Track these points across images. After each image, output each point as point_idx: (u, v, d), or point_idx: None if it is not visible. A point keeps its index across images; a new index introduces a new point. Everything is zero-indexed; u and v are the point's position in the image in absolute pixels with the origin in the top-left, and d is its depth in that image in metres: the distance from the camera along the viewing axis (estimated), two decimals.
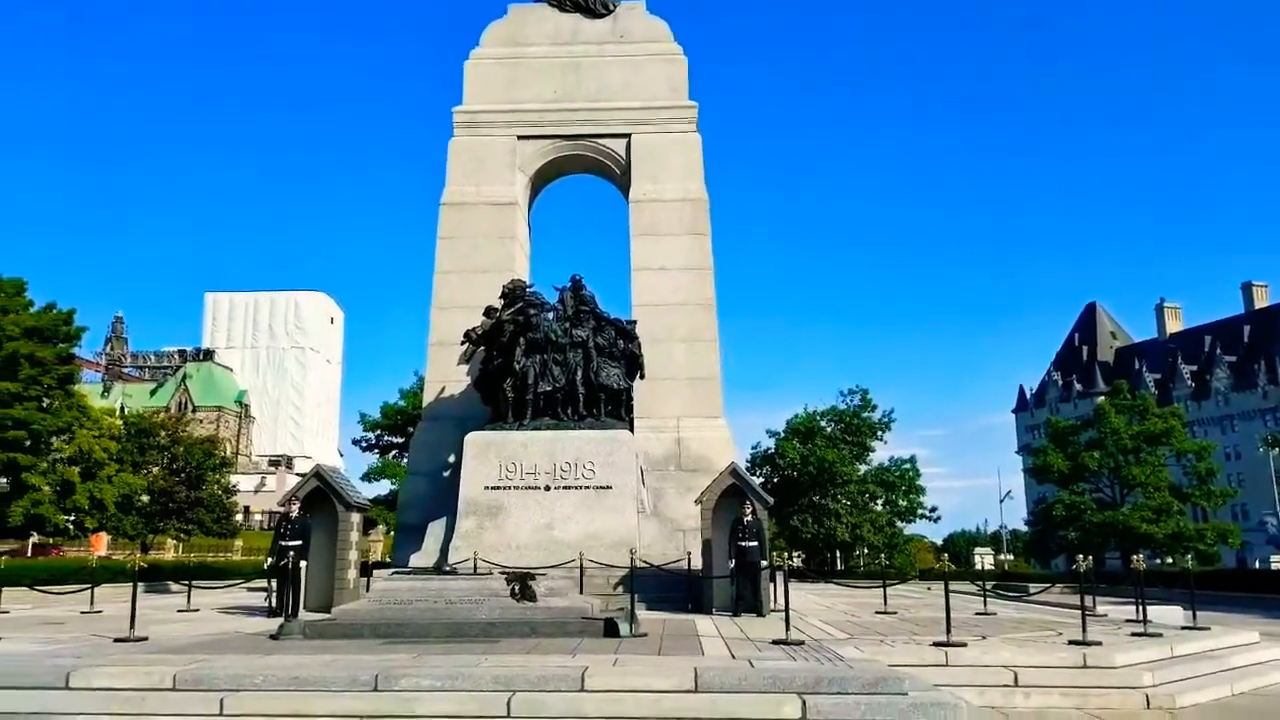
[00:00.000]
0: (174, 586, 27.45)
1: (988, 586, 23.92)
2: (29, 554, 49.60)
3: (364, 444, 57.93)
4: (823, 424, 58.61)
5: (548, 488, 21.42)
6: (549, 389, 22.36)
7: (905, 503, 58.78)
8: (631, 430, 22.79)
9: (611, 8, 28.83)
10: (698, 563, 19.53)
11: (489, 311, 23.35)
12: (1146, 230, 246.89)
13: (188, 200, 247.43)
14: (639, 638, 13.83)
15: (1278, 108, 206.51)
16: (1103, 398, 76.13)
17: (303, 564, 17.79)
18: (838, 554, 58.53)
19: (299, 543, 17.86)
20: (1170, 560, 55.25)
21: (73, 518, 49.05)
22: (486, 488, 21.49)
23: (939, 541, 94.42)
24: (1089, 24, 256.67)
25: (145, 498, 57.64)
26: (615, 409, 22.79)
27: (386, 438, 56.95)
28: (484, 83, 28.19)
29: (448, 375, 25.84)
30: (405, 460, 39.76)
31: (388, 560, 30.36)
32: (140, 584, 16.55)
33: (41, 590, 21.64)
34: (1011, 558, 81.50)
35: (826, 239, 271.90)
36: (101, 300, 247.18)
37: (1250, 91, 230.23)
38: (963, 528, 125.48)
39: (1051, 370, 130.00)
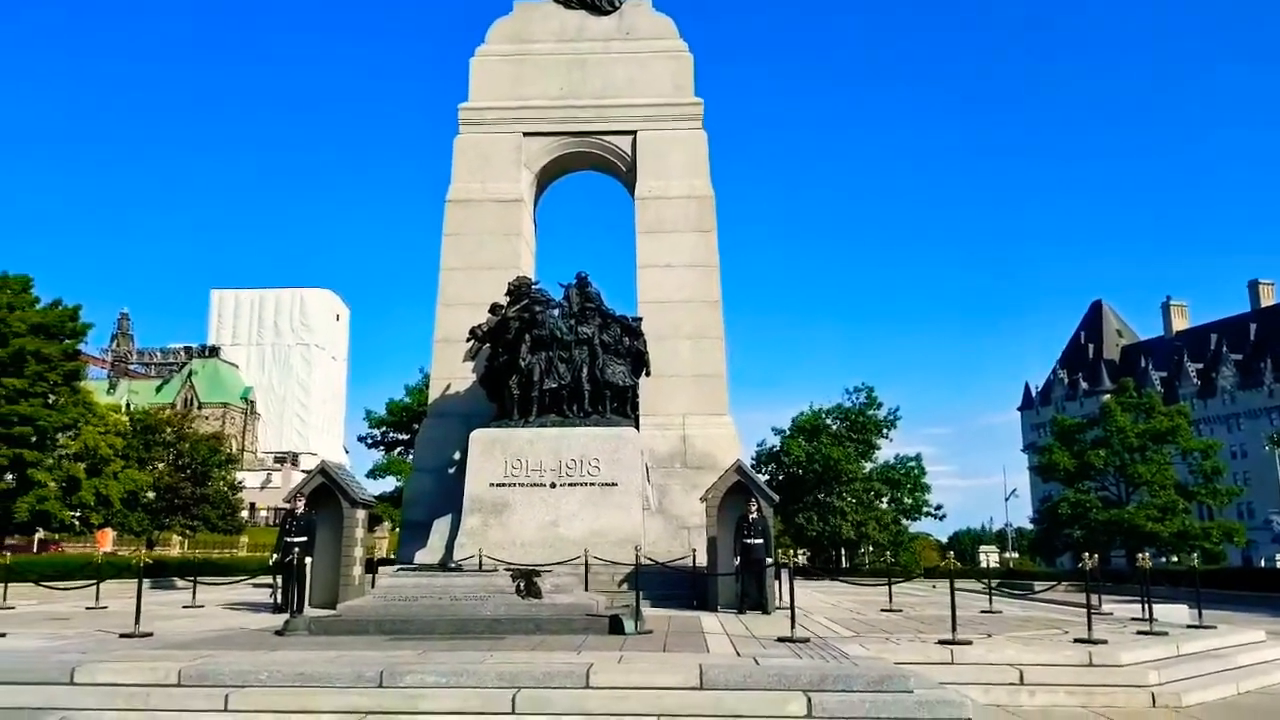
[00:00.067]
0: (179, 583, 27.52)
1: (993, 585, 23.93)
2: (35, 550, 49.87)
3: (369, 441, 58.00)
4: (828, 421, 58.55)
5: (553, 485, 21.42)
6: (554, 386, 22.35)
7: (910, 500, 58.70)
8: (637, 427, 22.77)
9: (617, 4, 28.78)
10: (702, 560, 19.52)
11: (494, 308, 23.34)
12: (1152, 228, 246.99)
13: (193, 197, 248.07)
14: (644, 635, 13.83)
15: (1278, 107, 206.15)
16: (1109, 396, 75.92)
17: (308, 560, 17.79)
18: (843, 552, 58.44)
19: (304, 539, 17.88)
20: (1176, 559, 55.13)
21: (78, 514, 49.06)
22: (492, 485, 21.49)
23: (944, 539, 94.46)
24: (1089, 24, 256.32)
25: (151, 494, 57.70)
26: (620, 406, 22.79)
27: (392, 434, 56.99)
28: (490, 79, 28.18)
29: (453, 372, 25.86)
30: (410, 457, 39.81)
31: (393, 557, 30.44)
32: (146, 580, 16.64)
33: (47, 586, 21.73)
34: (1016, 556, 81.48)
35: (833, 237, 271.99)
36: (107, 297, 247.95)
37: (1250, 91, 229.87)
38: (968, 526, 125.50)
39: (1057, 368, 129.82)
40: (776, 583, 18.59)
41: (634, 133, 27.54)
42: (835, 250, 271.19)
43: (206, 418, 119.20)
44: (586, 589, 18.16)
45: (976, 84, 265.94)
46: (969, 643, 13.02)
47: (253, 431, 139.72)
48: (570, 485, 21.38)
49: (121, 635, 13.90)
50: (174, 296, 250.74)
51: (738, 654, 11.96)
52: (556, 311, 23.19)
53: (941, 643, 13.00)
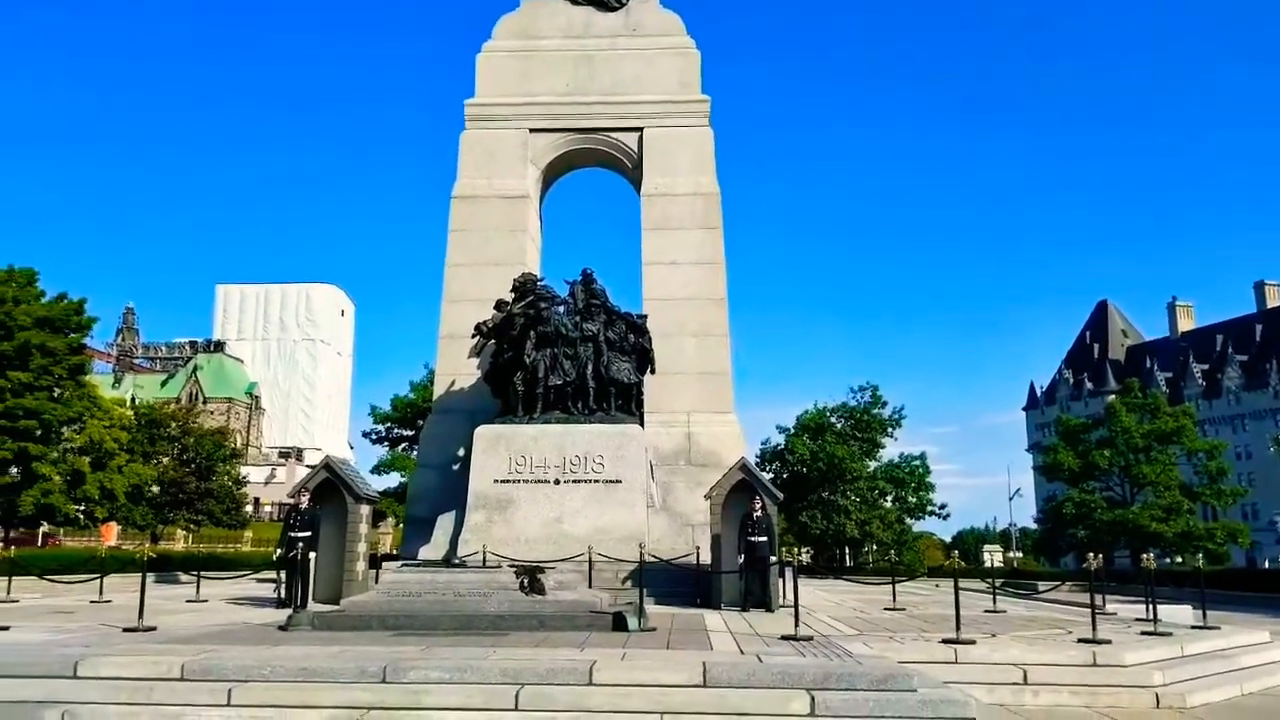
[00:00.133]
0: (183, 577, 27.53)
1: (997, 584, 23.91)
2: (39, 543, 49.98)
3: (374, 436, 58.00)
4: (833, 420, 58.43)
5: (557, 481, 21.42)
6: (559, 383, 22.36)
7: (915, 499, 58.58)
8: (641, 425, 22.77)
9: (624, 0, 28.75)
10: (706, 558, 19.50)
11: (500, 305, 23.33)
12: (1158, 229, 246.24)
13: (199, 193, 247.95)
14: (647, 632, 13.82)
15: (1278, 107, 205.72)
16: (1114, 396, 75.72)
17: (312, 555, 17.76)
18: (847, 550, 58.36)
19: (308, 534, 17.86)
20: (1180, 559, 55.12)
21: (83, 507, 49.26)
22: (496, 481, 21.49)
23: (948, 539, 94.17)
24: (1089, 24, 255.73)
25: (155, 488, 57.90)
26: (625, 403, 22.80)
27: (396, 430, 56.99)
28: (496, 75, 28.17)
29: (458, 368, 25.87)
30: (415, 453, 39.85)
31: (396, 553, 30.43)
32: (149, 574, 16.63)
33: (51, 579, 21.75)
34: (1021, 555, 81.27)
35: (838, 235, 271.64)
36: (113, 291, 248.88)
37: (1251, 91, 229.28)
38: (972, 525, 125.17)
39: (1062, 368, 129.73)
40: (780, 581, 18.56)
41: (640, 129, 27.51)
42: (841, 249, 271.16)
43: (211, 412, 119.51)
44: (590, 586, 18.17)
45: (978, 84, 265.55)
46: (973, 642, 13.01)
47: (257, 426, 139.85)
48: (574, 482, 21.37)
49: (125, 629, 13.90)
50: (179, 291, 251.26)
51: (741, 652, 11.94)
52: (562, 308, 23.19)
53: (945, 642, 12.99)
